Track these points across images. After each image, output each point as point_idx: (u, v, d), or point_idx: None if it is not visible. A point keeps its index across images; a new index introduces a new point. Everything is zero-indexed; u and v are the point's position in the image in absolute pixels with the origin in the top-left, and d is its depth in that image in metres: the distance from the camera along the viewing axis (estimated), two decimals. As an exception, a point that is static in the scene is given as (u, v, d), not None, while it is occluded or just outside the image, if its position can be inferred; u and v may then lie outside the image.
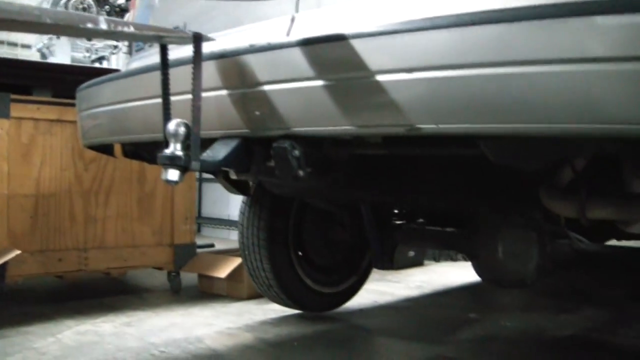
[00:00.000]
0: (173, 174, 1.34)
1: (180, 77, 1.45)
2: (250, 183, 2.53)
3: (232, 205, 5.83)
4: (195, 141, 1.36)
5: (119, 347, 2.37)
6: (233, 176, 1.86)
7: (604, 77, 0.92)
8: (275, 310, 3.02)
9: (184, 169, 1.35)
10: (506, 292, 3.84)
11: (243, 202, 2.76)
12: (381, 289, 3.71)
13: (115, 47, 7.91)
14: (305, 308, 2.93)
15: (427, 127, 1.10)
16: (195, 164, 1.36)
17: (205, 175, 6.55)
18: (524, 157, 1.30)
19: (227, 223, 6.19)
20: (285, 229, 2.74)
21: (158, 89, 1.48)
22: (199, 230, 6.80)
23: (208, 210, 6.79)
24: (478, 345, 2.60)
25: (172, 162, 1.34)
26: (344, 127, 1.22)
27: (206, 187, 6.83)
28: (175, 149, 1.35)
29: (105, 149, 2.25)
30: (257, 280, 2.76)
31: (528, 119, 0.99)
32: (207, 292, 3.44)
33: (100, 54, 8.19)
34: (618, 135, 0.94)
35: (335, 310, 3.06)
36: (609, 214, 1.63)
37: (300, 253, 2.82)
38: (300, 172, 1.39)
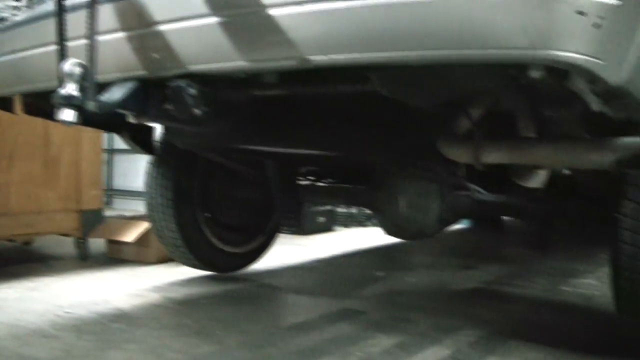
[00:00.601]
0: (68, 114, 1.33)
1: (77, 22, 1.43)
2: (156, 143, 2.52)
3: (144, 176, 5.72)
4: (91, 81, 1.35)
5: (22, 309, 2.34)
6: (132, 120, 1.82)
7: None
8: (184, 273, 3.02)
9: (79, 109, 1.34)
10: (412, 252, 3.94)
11: (149, 162, 2.73)
12: (290, 252, 3.75)
13: (16, 7, 7.63)
14: (213, 268, 2.94)
15: (318, 58, 1.13)
16: (90, 104, 1.35)
17: (116, 146, 6.45)
18: (413, 90, 1.34)
19: (139, 195, 6.09)
20: (192, 188, 2.73)
21: (55, 35, 1.46)
22: (109, 202, 6.70)
23: (119, 182, 6.70)
24: (383, 298, 2.66)
25: (67, 101, 1.33)
26: (237, 62, 1.24)
27: (117, 158, 6.73)
28: (70, 88, 1.34)
29: (4, 105, 2.19)
30: (165, 240, 2.75)
31: (403, 47, 1.04)
32: (115, 258, 3.41)
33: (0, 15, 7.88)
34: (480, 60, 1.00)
35: (244, 271, 3.08)
36: (502, 158, 1.70)
37: (207, 213, 2.82)
38: (197, 111, 1.40)
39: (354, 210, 5.08)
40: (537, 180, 2.28)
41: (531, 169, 2.26)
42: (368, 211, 4.88)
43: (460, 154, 1.78)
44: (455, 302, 2.66)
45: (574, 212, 2.13)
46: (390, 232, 2.41)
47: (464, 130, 1.77)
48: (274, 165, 2.64)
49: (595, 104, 1.38)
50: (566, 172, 2.22)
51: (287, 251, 3.74)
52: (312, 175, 2.79)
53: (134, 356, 1.83)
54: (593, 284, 2.90)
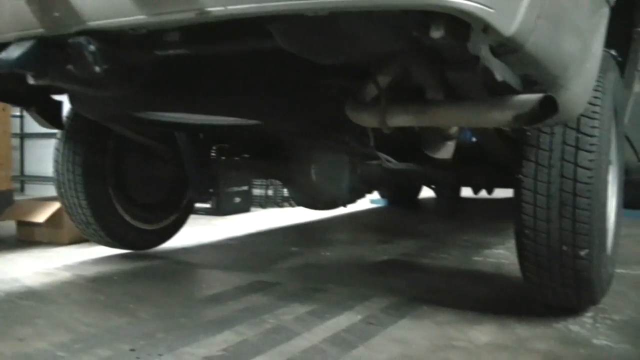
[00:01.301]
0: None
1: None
2: (65, 118, 2.46)
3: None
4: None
5: None
6: (31, 81, 1.77)
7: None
8: (97, 252, 2.98)
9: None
10: (329, 230, 3.97)
11: (57, 137, 2.67)
12: (206, 231, 3.73)
13: None
14: (127, 246, 2.90)
15: (216, 9, 1.13)
16: (-13, 63, 1.32)
17: (28, 130, 6.28)
18: (314, 46, 1.35)
19: (53, 181, 5.96)
20: (103, 164, 2.69)
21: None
22: (22, 189, 6.53)
23: (32, 168, 6.51)
24: (298, 271, 2.68)
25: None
26: (136, 17, 1.23)
27: (30, 143, 6.54)
28: (-37, 46, 1.30)
29: None
30: (75, 217, 2.70)
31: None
32: (26, 240, 3.34)
33: None
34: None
35: (159, 249, 3.06)
36: (408, 121, 1.72)
37: (120, 190, 2.77)
38: (97, 69, 1.38)
39: (270, 191, 5.08)
40: (446, 151, 2.32)
41: (440, 140, 2.31)
42: (285, 193, 4.91)
43: (366, 118, 1.79)
44: (369, 273, 2.70)
45: (481, 178, 2.19)
46: (303, 203, 2.43)
47: (371, 96, 1.79)
48: (187, 140, 2.61)
49: (498, 73, 1.42)
50: (474, 140, 2.27)
51: (203, 231, 3.72)
52: (226, 151, 2.77)
53: (44, 330, 1.81)
54: (503, 254, 2.98)
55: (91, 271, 2.61)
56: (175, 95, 1.93)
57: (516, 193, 1.81)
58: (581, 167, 1.72)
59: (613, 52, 2.09)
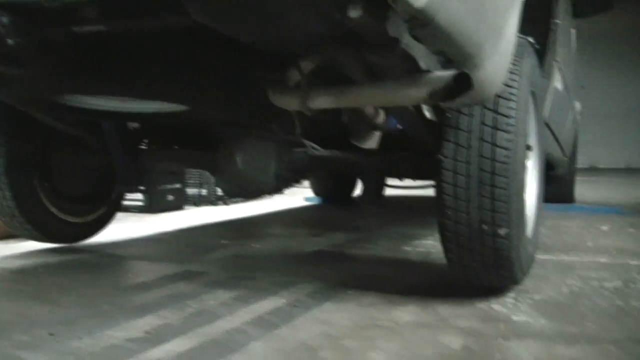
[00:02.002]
0: None
1: None
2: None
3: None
4: None
5: None
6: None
7: None
8: (24, 246, 2.91)
9: None
10: (261, 224, 3.97)
11: (-22, 127, 2.60)
12: (137, 226, 3.69)
13: None
14: (54, 239, 2.84)
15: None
16: None
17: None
18: (231, 22, 1.34)
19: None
20: (28, 155, 2.62)
21: None
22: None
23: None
24: (224, 261, 2.67)
25: None
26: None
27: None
28: None
29: None
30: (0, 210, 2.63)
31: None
32: (-53, 237, 3.24)
33: None
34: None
35: (87, 242, 3.00)
36: (329, 102, 1.74)
37: (46, 181, 2.71)
38: (9, 41, 1.35)
39: (204, 190, 5.05)
40: (373, 141, 2.35)
41: (367, 130, 2.33)
42: (219, 191, 4.88)
43: (289, 101, 1.81)
44: (297, 263, 2.70)
45: (405, 164, 2.21)
46: (230, 192, 2.43)
47: (294, 81, 1.80)
48: (113, 130, 2.57)
49: (417, 55, 1.45)
50: (399, 128, 2.30)
51: (133, 226, 3.68)
52: (154, 142, 2.74)
53: (-38, 321, 1.76)
54: (432, 244, 3.01)
55: (16, 264, 2.56)
56: (91, 77, 1.89)
57: (437, 174, 1.83)
58: (499, 146, 1.75)
59: (530, 39, 2.14)
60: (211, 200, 5.04)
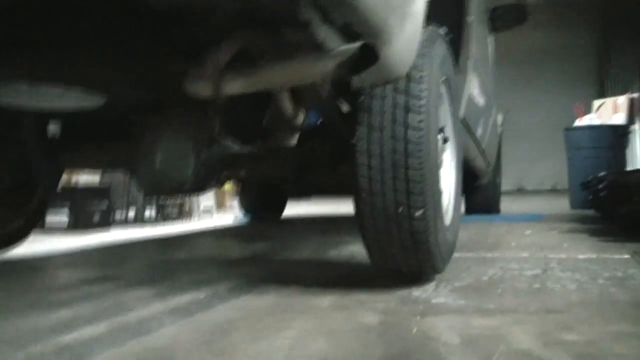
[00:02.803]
0: None
1: None
2: None
3: None
4: None
5: None
6: None
7: None
8: None
9: None
10: (185, 238, 3.92)
11: None
12: (59, 242, 3.60)
13: None
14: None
15: None
16: None
17: None
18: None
19: None
20: None
21: None
22: None
23: None
24: (147, 267, 2.64)
25: None
26: None
27: None
28: None
29: None
30: None
31: None
32: None
33: None
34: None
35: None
36: (242, 87, 1.75)
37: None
38: None
39: (132, 212, 4.97)
40: (292, 138, 2.36)
41: (287, 130, 2.34)
42: (147, 214, 4.81)
43: (202, 88, 1.81)
44: (220, 266, 2.68)
45: (323, 157, 2.21)
46: (148, 190, 2.38)
47: (208, 68, 1.80)
48: (32, 127, 2.48)
49: (326, 36, 1.46)
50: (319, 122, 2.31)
51: (55, 241, 3.60)
52: (71, 142, 2.65)
53: None
54: (358, 250, 3.00)
55: None
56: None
57: (352, 159, 1.83)
58: (411, 128, 1.77)
59: (443, 31, 2.18)
60: (140, 221, 4.97)
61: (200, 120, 2.28)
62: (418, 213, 1.79)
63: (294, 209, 7.08)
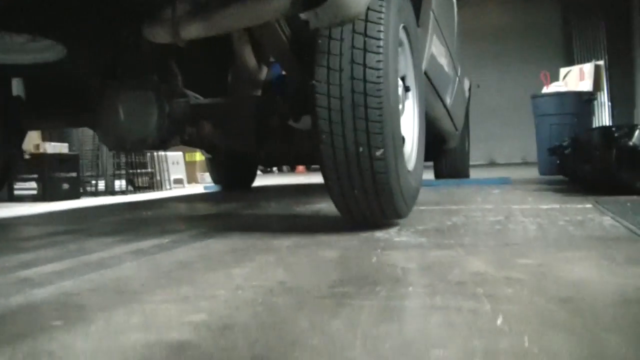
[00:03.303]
0: None
1: None
2: None
3: None
4: None
5: None
6: None
7: None
8: None
9: None
10: (156, 203, 3.92)
11: None
12: (29, 208, 3.58)
13: None
14: None
15: None
16: None
17: None
18: None
19: None
20: None
21: None
22: None
23: None
24: (115, 223, 2.63)
25: None
26: None
27: None
28: None
29: None
30: None
31: None
32: None
33: None
34: None
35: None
36: (199, 31, 1.75)
37: None
38: None
39: (101, 182, 4.96)
40: (256, 91, 2.37)
41: (249, 84, 2.35)
42: (117, 185, 4.79)
43: (161, 34, 1.81)
44: (187, 220, 2.69)
45: (284, 106, 2.21)
46: (112, 145, 2.38)
47: (166, 15, 1.80)
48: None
49: None
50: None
51: (25, 208, 3.57)
52: (32, 100, 2.63)
53: None
54: (325, 206, 3.03)
55: None
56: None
57: (311, 100, 1.84)
58: (370, 67, 1.78)
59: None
60: (110, 191, 4.95)
61: (163, 74, 2.29)
62: (378, 152, 1.81)
63: (266, 180, 7.10)
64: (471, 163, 5.77)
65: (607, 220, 2.08)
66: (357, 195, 1.91)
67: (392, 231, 1.97)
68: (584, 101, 5.80)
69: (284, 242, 1.80)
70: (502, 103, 13.12)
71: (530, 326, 0.89)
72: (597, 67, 6.13)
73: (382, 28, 1.82)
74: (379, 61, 1.79)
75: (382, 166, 1.83)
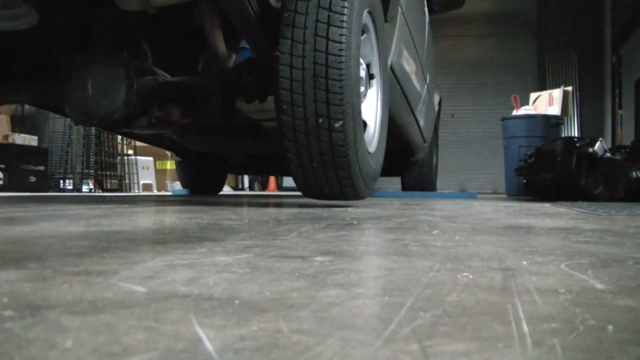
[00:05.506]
0: None
1: None
2: None
3: None
4: None
5: None
6: None
7: None
8: None
9: None
10: (126, 200, 3.90)
11: None
12: None
13: None
14: None
15: None
16: None
17: None
18: None
19: None
20: None
21: None
22: None
23: None
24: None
25: None
26: None
27: None
28: None
29: None
30: None
31: None
32: None
33: None
34: None
35: None
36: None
37: None
38: None
39: (69, 184, 4.94)
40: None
41: (220, 69, 2.38)
42: (86, 177, 4.77)
43: (132, 0, 1.84)
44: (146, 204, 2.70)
45: (252, 81, 2.24)
46: (78, 120, 2.39)
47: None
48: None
49: None
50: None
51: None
52: (7, 78, 2.63)
53: None
54: (298, 201, 3.06)
55: None
56: None
57: (275, 72, 1.88)
58: (332, 40, 1.83)
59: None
60: (77, 188, 4.94)
61: (133, 50, 2.32)
62: (337, 124, 1.84)
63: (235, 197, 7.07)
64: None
65: (561, 209, 2.14)
66: (316, 168, 1.94)
67: (349, 209, 2.00)
68: (552, 124, 5.90)
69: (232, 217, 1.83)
70: (476, 134, 13.21)
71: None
72: (565, 93, 6.25)
73: (346, 4, 1.87)
74: (341, 35, 1.84)
75: (341, 139, 1.86)
